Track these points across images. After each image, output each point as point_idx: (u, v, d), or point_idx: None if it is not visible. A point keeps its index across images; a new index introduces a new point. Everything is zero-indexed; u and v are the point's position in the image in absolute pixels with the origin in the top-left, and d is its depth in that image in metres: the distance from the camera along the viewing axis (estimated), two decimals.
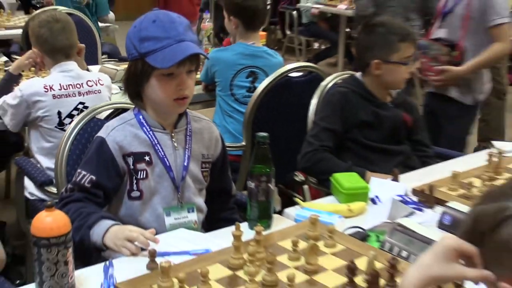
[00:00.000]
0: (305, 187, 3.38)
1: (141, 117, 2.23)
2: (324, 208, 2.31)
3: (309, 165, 2.91)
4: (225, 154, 2.44)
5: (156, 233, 2.03)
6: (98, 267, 1.91)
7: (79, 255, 1.89)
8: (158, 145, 2.22)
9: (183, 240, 2.05)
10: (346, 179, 2.44)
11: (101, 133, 2.23)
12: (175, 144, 2.25)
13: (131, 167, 2.20)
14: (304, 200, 2.70)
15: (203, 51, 2.16)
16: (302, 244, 1.95)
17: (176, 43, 2.10)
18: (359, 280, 1.80)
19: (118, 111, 2.65)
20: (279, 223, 2.22)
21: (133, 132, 2.21)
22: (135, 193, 2.21)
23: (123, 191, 2.23)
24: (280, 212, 2.36)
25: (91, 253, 2.05)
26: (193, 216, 2.27)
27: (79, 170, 2.18)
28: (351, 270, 1.77)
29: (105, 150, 2.17)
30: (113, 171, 2.18)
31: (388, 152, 2.96)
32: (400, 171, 2.74)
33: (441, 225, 2.20)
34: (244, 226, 2.13)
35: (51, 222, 1.70)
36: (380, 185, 2.48)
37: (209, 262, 1.88)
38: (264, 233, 2.00)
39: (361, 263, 1.85)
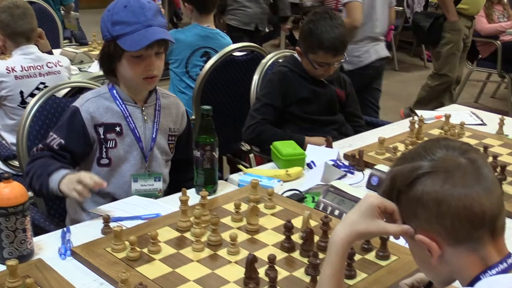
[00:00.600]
0: (251, 155, 3.37)
1: (114, 91, 2.17)
2: (264, 173, 2.29)
3: (252, 137, 2.89)
4: (190, 128, 2.40)
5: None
6: (56, 233, 1.84)
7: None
8: (129, 117, 2.16)
9: (135, 206, 2.00)
10: (284, 147, 2.41)
11: (76, 103, 2.16)
12: (145, 117, 2.20)
13: (102, 136, 2.14)
14: (249, 167, 2.67)
15: (170, 36, 2.10)
16: (244, 207, 1.92)
17: (144, 28, 2.04)
18: (295, 237, 1.78)
19: (75, 90, 2.56)
20: (224, 188, 2.18)
21: (106, 104, 2.15)
22: (104, 160, 2.15)
23: (92, 158, 2.16)
24: (227, 179, 2.32)
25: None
26: (159, 185, 2.22)
27: (51, 133, 2.12)
28: (288, 229, 1.74)
29: (78, 119, 2.11)
30: (82, 139, 2.11)
31: (324, 122, 2.95)
32: (335, 138, 2.73)
33: (369, 186, 2.20)
34: (192, 191, 2.09)
35: (8, 192, 1.63)
36: (315, 151, 2.46)
37: (159, 226, 1.83)
38: (209, 197, 1.97)
39: (298, 222, 1.83)
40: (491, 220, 1.17)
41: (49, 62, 3.25)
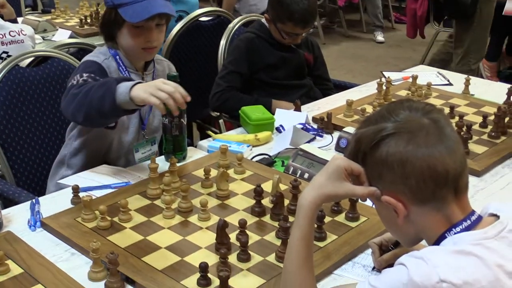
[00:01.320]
0: (220, 121, 3.35)
1: (118, 57, 2.13)
2: (234, 138, 2.29)
3: (218, 104, 2.89)
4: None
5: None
6: (25, 205, 1.82)
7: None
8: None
9: (104, 175, 1.99)
10: (253, 112, 2.41)
11: (94, 58, 2.11)
12: None
13: None
14: (219, 133, 2.66)
15: (172, 10, 2.07)
16: (214, 173, 1.92)
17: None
18: (266, 201, 1.79)
19: (39, 59, 2.51)
20: (193, 154, 2.17)
21: (114, 67, 2.12)
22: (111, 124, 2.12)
23: None
24: (196, 146, 2.32)
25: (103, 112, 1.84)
26: (155, 148, 2.23)
27: (75, 77, 1.98)
28: (258, 193, 1.75)
29: (102, 68, 2.07)
30: None
31: (292, 87, 2.95)
32: (304, 102, 2.74)
33: (338, 148, 2.21)
34: (161, 159, 2.09)
35: None
36: (284, 115, 2.46)
37: (129, 194, 1.83)
38: (178, 164, 1.97)
39: (268, 187, 1.84)
40: (454, 179, 1.19)
41: (12, 31, 3.17)
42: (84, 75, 1.96)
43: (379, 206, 1.29)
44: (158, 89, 1.75)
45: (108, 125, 2.07)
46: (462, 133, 2.22)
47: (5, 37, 3.13)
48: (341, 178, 1.28)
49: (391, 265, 1.26)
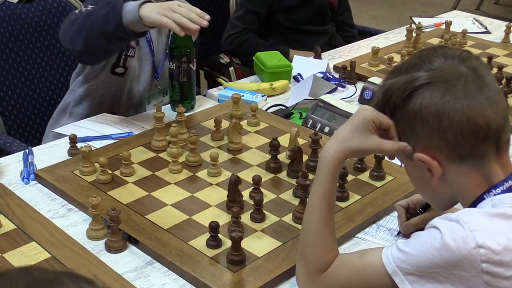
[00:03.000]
0: (231, 69, 3.33)
1: None
2: (247, 87, 2.27)
3: (232, 47, 2.86)
4: (197, 41, 2.31)
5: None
6: (18, 156, 1.82)
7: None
8: None
9: (104, 125, 1.97)
10: (268, 58, 2.38)
11: None
12: (161, 30, 2.16)
13: None
14: (231, 81, 2.64)
15: None
16: (225, 124, 1.90)
17: None
18: (282, 156, 1.77)
19: None
20: (202, 104, 2.16)
21: (128, 6, 2.06)
22: (120, 69, 2.11)
23: (106, 63, 2.10)
24: (205, 94, 2.30)
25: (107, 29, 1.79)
26: (167, 99, 2.21)
27: (81, 7, 1.94)
28: (274, 147, 1.74)
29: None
30: None
31: (312, 33, 2.92)
32: (325, 51, 2.71)
33: (362, 100, 2.20)
34: (167, 108, 2.07)
35: None
36: (303, 63, 2.44)
37: (132, 146, 1.82)
38: (186, 114, 1.96)
39: (284, 140, 1.83)
40: (496, 133, 1.17)
41: None
42: (89, 7, 1.90)
43: (409, 165, 1.27)
44: (171, 10, 1.70)
45: (112, 54, 2.02)
46: (501, 86, 2.19)
47: None
48: (368, 131, 1.25)
49: (418, 230, 1.25)
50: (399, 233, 1.53)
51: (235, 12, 2.93)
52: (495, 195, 1.18)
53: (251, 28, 2.83)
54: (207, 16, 1.75)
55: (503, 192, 1.18)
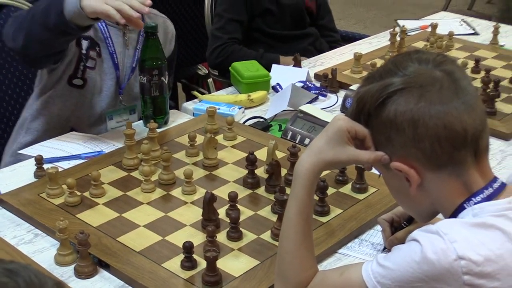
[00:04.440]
0: (209, 80, 3.35)
1: None
2: (223, 99, 2.28)
3: (220, 60, 2.86)
4: (175, 52, 2.37)
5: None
6: None
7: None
8: (109, 39, 2.12)
9: (73, 144, 1.98)
10: (245, 68, 2.40)
11: None
12: (127, 42, 2.17)
13: (83, 51, 2.10)
14: (208, 94, 2.66)
15: None
16: (200, 139, 1.91)
17: None
18: (260, 171, 1.79)
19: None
20: (176, 118, 2.17)
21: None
22: (78, 81, 2.12)
23: (62, 73, 2.11)
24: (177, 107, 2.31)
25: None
26: (134, 117, 2.21)
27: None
28: (251, 162, 1.75)
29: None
30: None
31: (294, 37, 2.94)
32: (313, 54, 2.74)
33: (344, 109, 2.21)
34: (139, 124, 2.08)
35: None
36: (282, 72, 2.45)
37: (101, 165, 1.83)
38: (159, 130, 1.97)
39: (262, 154, 1.84)
40: (474, 139, 1.19)
41: None
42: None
43: (387, 175, 1.29)
44: None
45: (57, 52, 1.99)
46: (488, 90, 2.21)
47: None
48: (343, 141, 1.27)
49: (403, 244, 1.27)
50: (384, 248, 1.55)
51: (215, 23, 2.93)
52: (475, 203, 1.20)
53: (235, 37, 2.84)
54: (148, 1, 1.77)
55: (483, 200, 1.20)
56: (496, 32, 2.86)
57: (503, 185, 1.23)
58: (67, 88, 2.11)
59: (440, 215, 1.30)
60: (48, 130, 2.13)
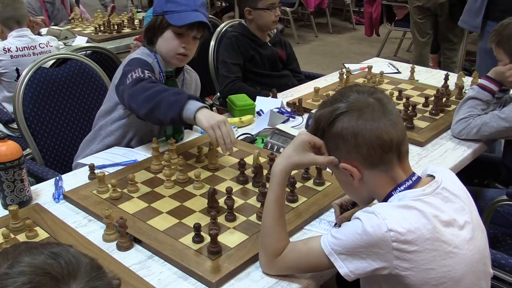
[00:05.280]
0: (214, 108, 3.33)
1: (157, 60, 2.05)
2: None
3: (232, 93, 2.82)
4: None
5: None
6: (50, 182, 1.80)
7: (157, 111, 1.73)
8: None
9: (116, 155, 1.96)
10: (237, 100, 2.38)
11: (145, 58, 2.00)
12: None
13: None
14: None
15: (210, 27, 2.01)
16: (206, 150, 1.89)
17: (191, 10, 1.96)
18: (248, 172, 1.77)
19: (60, 61, 2.47)
20: (189, 136, 2.14)
21: (158, 70, 2.03)
22: None
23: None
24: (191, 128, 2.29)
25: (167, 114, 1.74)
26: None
27: (134, 71, 1.86)
28: (242, 165, 1.73)
29: (152, 69, 1.96)
30: None
31: (273, 76, 2.93)
32: (286, 88, 2.75)
33: (307, 127, 2.19)
34: (162, 140, 2.06)
35: (5, 150, 1.57)
36: (263, 102, 2.44)
37: (136, 170, 1.80)
38: (176, 144, 1.94)
39: (250, 160, 1.82)
40: (397, 145, 1.18)
41: (41, 43, 3.15)
42: (146, 72, 1.86)
43: (337, 172, 1.28)
44: (217, 125, 1.67)
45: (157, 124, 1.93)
46: (408, 111, 2.20)
47: (36, 48, 3.12)
48: (306, 149, 1.26)
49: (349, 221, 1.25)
50: (335, 224, 1.53)
51: (221, 68, 2.86)
52: (400, 191, 1.19)
53: (239, 76, 2.80)
54: (233, 149, 1.72)
55: (405, 189, 1.19)
56: (413, 71, 2.85)
57: (419, 178, 1.22)
58: (136, 120, 2.02)
59: (375, 201, 1.29)
60: (116, 145, 2.06)
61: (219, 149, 1.93)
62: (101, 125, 2.12)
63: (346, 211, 1.49)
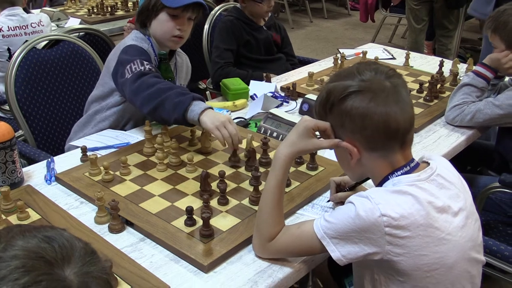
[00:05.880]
0: (207, 92, 3.32)
1: (151, 44, 2.01)
2: (215, 105, 2.24)
3: (221, 78, 2.81)
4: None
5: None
6: (42, 163, 1.78)
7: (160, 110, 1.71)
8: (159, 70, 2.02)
9: (108, 138, 1.94)
10: (231, 83, 2.36)
11: (139, 44, 1.96)
12: None
13: None
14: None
15: (206, 7, 1.97)
16: (198, 133, 1.88)
17: None
18: (241, 155, 1.76)
19: (52, 42, 2.44)
20: None
21: (153, 55, 1.99)
22: None
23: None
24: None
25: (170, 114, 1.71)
26: None
27: (134, 62, 1.83)
28: (234, 149, 1.72)
29: (149, 57, 1.92)
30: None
31: (268, 61, 2.91)
32: (280, 73, 2.72)
33: (301, 112, 2.18)
34: (154, 123, 2.04)
35: None
36: (257, 86, 2.42)
37: (128, 152, 1.79)
38: (169, 127, 1.92)
39: (243, 144, 1.80)
40: (402, 134, 1.18)
41: (33, 23, 3.08)
42: (145, 63, 1.82)
43: (337, 150, 1.28)
44: (222, 125, 1.64)
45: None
46: None
47: (28, 28, 3.06)
48: (310, 135, 1.26)
49: (342, 203, 1.25)
50: (328, 200, 1.53)
51: (214, 53, 2.86)
52: (396, 176, 1.18)
53: (229, 61, 2.80)
54: (237, 146, 1.70)
55: (402, 174, 1.18)
56: (408, 57, 2.84)
57: (417, 164, 1.22)
58: (132, 105, 1.97)
59: (370, 181, 1.28)
60: (109, 128, 2.04)
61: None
62: (96, 110, 2.09)
63: (341, 191, 1.49)
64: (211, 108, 1.70)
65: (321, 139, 1.27)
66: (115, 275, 1.21)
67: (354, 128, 1.18)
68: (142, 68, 1.81)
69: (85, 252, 0.75)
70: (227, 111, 2.17)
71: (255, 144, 1.81)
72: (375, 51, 3.10)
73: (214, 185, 1.56)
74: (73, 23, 3.68)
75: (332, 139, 1.23)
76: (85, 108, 2.16)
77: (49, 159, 1.79)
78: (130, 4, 4.22)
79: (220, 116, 1.67)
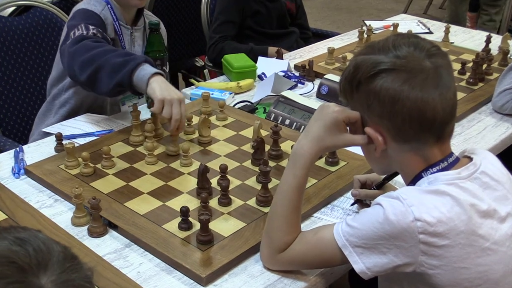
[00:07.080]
0: (205, 70, 3.32)
1: (109, 6, 2.01)
2: (216, 86, 2.25)
3: (214, 56, 2.85)
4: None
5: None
6: (9, 153, 1.79)
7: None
8: (121, 35, 2.05)
9: (87, 123, 1.95)
10: (235, 60, 2.37)
11: (91, 8, 1.97)
12: (133, 40, 2.11)
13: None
14: (201, 82, 2.62)
15: None
16: (196, 119, 1.88)
17: None
18: (247, 147, 1.76)
19: (21, 8, 2.45)
20: None
21: (110, 20, 2.00)
22: None
23: None
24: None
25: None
26: (143, 101, 2.13)
27: (79, 27, 1.84)
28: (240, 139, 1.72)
29: (101, 21, 1.93)
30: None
31: (279, 35, 2.92)
32: (292, 50, 2.72)
33: (319, 95, 2.19)
34: (143, 107, 2.05)
35: None
36: (266, 63, 2.42)
37: (112, 141, 1.80)
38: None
39: (249, 133, 1.81)
40: (440, 126, 1.16)
41: None
42: (91, 27, 1.83)
43: (359, 132, 1.26)
44: (171, 102, 1.65)
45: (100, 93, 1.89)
46: None
47: None
48: (340, 130, 1.25)
49: (368, 205, 1.25)
50: (352, 203, 1.52)
51: (212, 25, 2.90)
52: (431, 173, 1.18)
53: (226, 35, 2.81)
54: (181, 131, 1.74)
55: (438, 171, 1.18)
56: (447, 31, 2.83)
57: (457, 159, 1.21)
58: None
59: (393, 183, 1.28)
60: (73, 114, 2.06)
61: (213, 118, 1.93)
62: (54, 94, 2.11)
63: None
64: (163, 75, 1.70)
65: (354, 135, 1.26)
66: (96, 287, 1.22)
67: (382, 112, 1.17)
68: (86, 32, 1.82)
69: (64, 257, 0.75)
70: (230, 93, 2.17)
71: (264, 133, 1.81)
72: (408, 23, 3.10)
73: (214, 182, 1.56)
74: None
75: (364, 135, 1.22)
76: (47, 95, 2.18)
77: (17, 148, 1.79)
78: None
79: (174, 90, 1.68)
